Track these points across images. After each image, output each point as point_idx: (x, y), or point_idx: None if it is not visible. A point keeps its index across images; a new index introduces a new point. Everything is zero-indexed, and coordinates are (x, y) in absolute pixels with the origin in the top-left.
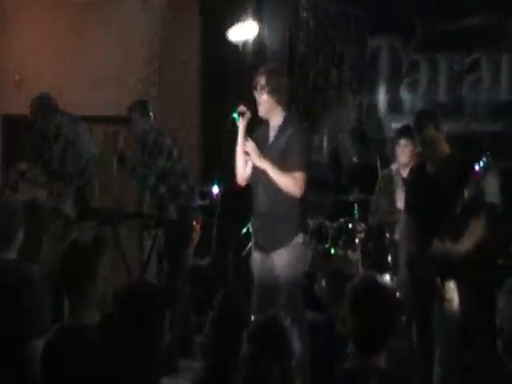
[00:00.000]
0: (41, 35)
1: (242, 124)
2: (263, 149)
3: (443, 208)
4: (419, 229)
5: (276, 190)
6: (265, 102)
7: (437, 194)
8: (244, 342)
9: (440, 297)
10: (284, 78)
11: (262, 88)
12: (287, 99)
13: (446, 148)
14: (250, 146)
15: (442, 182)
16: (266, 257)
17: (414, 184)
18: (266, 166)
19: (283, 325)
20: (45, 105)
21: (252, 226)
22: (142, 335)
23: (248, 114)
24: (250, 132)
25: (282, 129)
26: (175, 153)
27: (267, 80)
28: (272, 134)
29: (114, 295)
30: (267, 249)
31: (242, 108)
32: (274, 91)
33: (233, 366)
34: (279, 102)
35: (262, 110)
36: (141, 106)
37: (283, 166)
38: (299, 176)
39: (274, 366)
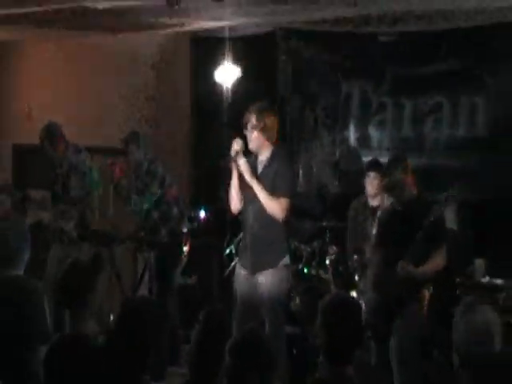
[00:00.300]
0: (49, 72)
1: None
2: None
3: (409, 241)
4: (387, 259)
5: (267, 217)
6: (255, 139)
7: (404, 230)
8: (226, 354)
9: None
10: (273, 116)
11: (253, 127)
12: (276, 135)
13: (413, 189)
14: (242, 161)
15: (410, 220)
16: (251, 276)
17: (385, 223)
18: (254, 184)
19: (263, 338)
20: (52, 133)
21: (239, 247)
22: (139, 345)
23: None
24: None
25: (269, 162)
26: (168, 180)
27: (257, 119)
28: (260, 166)
29: (121, 306)
30: (255, 269)
31: (237, 145)
32: (264, 129)
33: (216, 376)
34: (268, 139)
35: (253, 146)
36: (135, 138)
37: (273, 191)
38: (284, 201)
39: (255, 377)
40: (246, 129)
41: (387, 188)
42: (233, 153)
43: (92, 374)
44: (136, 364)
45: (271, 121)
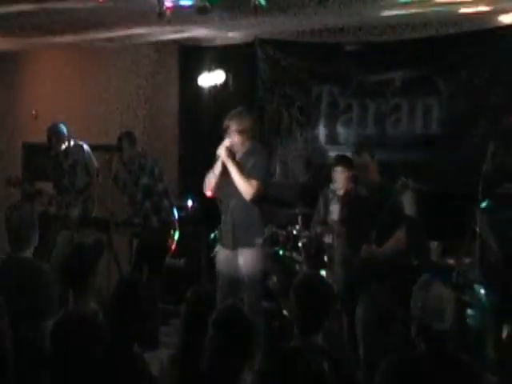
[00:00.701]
0: (53, 78)
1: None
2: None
3: (370, 223)
4: (351, 238)
5: (246, 203)
6: (238, 142)
7: (366, 213)
8: (210, 327)
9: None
10: (249, 118)
11: (234, 131)
12: (253, 133)
13: (376, 176)
14: (220, 148)
15: (371, 204)
16: (231, 254)
17: (348, 203)
18: (229, 164)
19: (243, 311)
20: (58, 131)
21: (220, 229)
22: (131, 320)
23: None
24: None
25: (247, 155)
26: (156, 171)
27: (237, 124)
28: (238, 157)
29: (115, 287)
30: (234, 247)
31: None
32: (242, 132)
33: (201, 347)
34: (248, 138)
35: (236, 148)
36: (128, 136)
37: (249, 176)
38: (255, 183)
39: (236, 348)
40: (226, 132)
41: (355, 167)
42: (222, 147)
43: (92, 346)
44: (129, 338)
45: (250, 123)
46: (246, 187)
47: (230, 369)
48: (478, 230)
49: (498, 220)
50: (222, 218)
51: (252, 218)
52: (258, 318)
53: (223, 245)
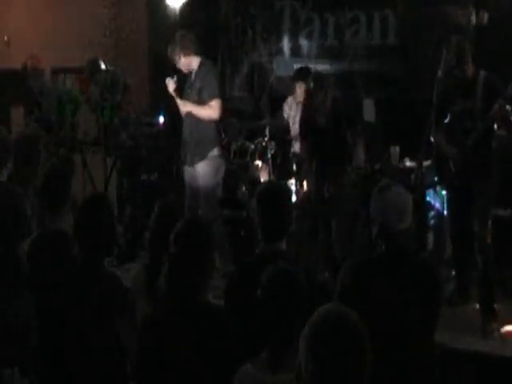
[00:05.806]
0: (25, 3)
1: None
2: (188, 87)
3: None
4: (311, 148)
5: (194, 118)
6: (182, 63)
7: (321, 130)
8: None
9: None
10: (189, 36)
11: (177, 53)
12: (196, 50)
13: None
14: (171, 86)
15: (326, 121)
16: (192, 168)
17: (304, 121)
18: (188, 107)
19: (199, 223)
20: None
21: (181, 146)
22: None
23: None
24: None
25: (197, 71)
26: (126, 86)
27: (179, 43)
28: (192, 75)
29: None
30: (191, 163)
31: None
32: (185, 52)
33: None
34: (192, 55)
35: (184, 68)
36: (95, 66)
37: (201, 97)
38: (215, 103)
39: (193, 259)
40: (175, 61)
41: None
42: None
43: (67, 260)
44: (99, 249)
45: (188, 41)
46: (209, 113)
47: (190, 280)
48: (432, 138)
49: (455, 130)
50: (182, 136)
51: (204, 133)
52: (216, 226)
53: (184, 160)
